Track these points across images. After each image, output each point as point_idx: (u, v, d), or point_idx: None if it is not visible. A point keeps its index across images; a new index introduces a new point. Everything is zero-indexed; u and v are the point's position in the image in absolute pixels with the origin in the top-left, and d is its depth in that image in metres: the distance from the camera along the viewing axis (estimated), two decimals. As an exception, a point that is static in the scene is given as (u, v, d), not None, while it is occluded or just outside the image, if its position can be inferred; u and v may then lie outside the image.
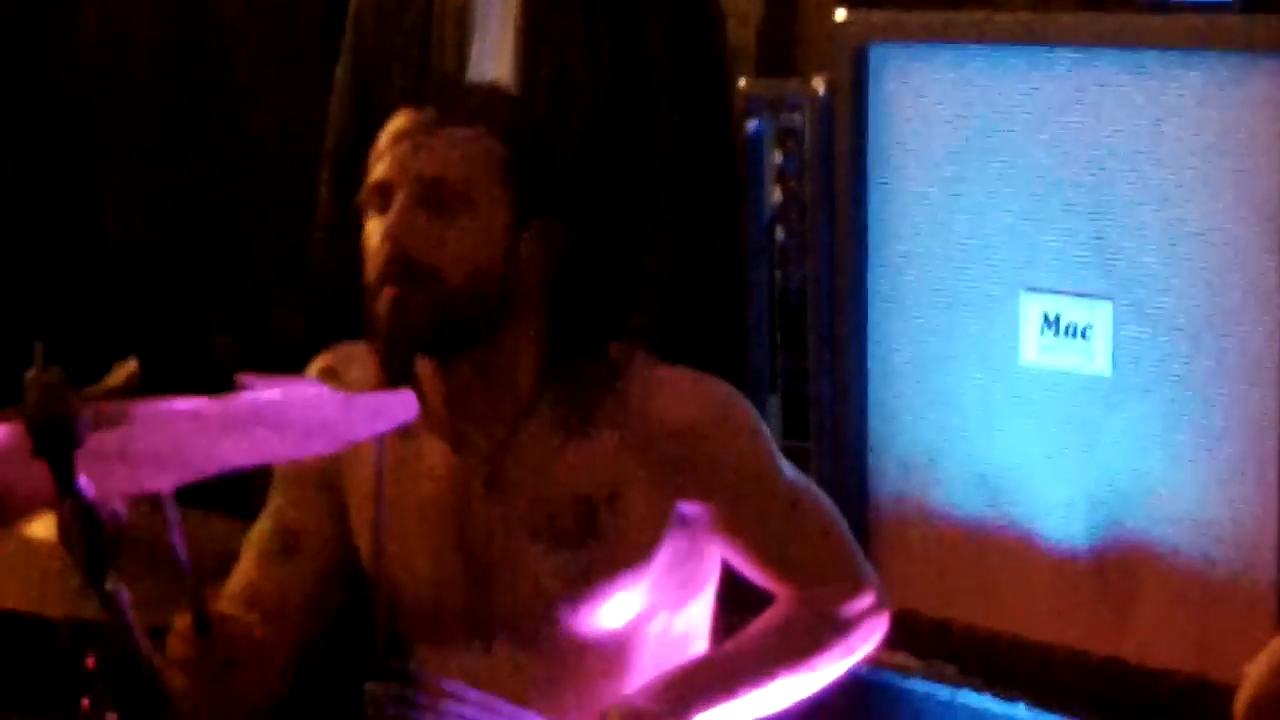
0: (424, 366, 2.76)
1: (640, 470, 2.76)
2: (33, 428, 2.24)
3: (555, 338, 2.84)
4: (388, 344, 2.70)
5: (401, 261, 2.67)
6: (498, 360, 2.77)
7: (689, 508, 2.79)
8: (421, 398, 2.67)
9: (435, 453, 2.85)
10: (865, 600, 2.88)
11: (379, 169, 2.76)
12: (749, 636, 2.90)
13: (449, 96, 2.93)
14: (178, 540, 2.32)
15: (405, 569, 2.91)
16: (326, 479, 2.95)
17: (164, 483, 2.54)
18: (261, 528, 2.97)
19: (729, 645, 2.91)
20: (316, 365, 2.94)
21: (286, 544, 2.96)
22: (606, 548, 2.82)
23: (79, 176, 4.39)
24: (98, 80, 4.43)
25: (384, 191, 2.72)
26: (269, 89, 5.10)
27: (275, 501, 2.98)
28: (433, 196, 2.72)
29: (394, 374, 2.73)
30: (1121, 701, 3.24)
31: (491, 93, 3.09)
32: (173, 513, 2.32)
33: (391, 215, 2.69)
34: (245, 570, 2.90)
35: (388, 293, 2.67)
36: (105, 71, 4.42)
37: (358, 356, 2.86)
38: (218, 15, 4.97)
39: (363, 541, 2.93)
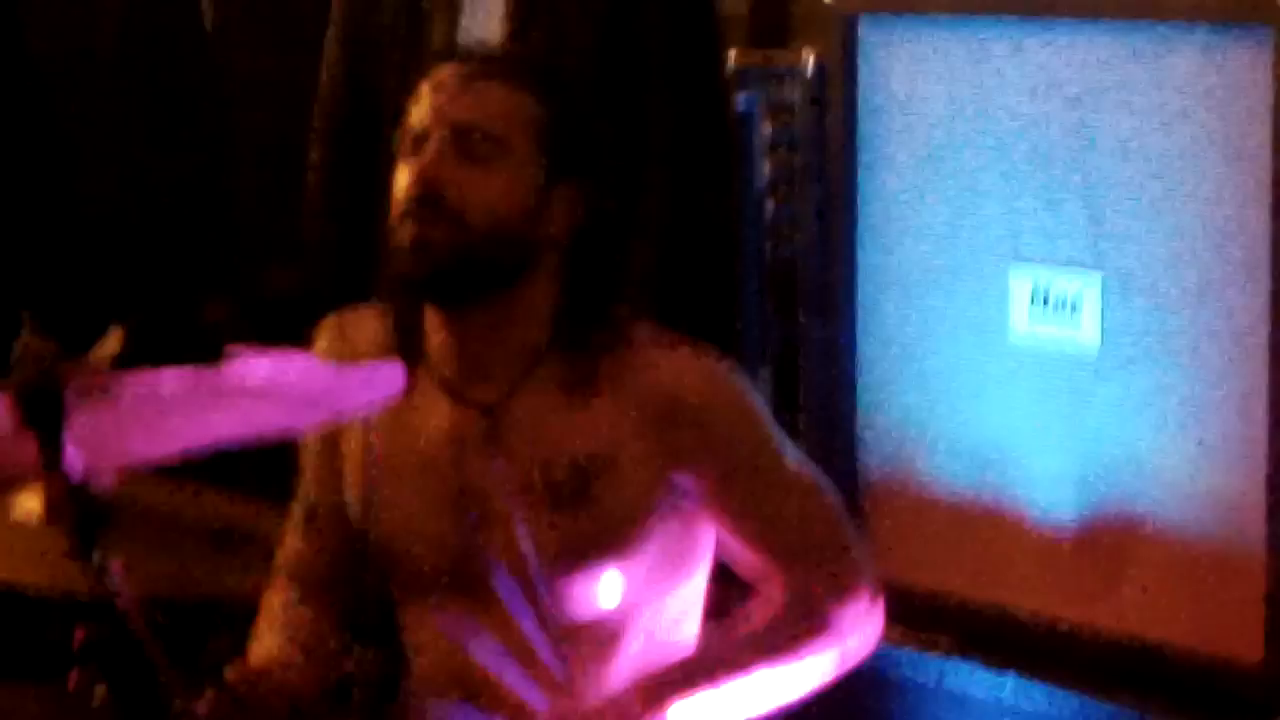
0: (432, 320, 2.77)
1: (637, 439, 2.73)
2: (21, 398, 2.24)
3: (568, 300, 2.83)
4: (404, 279, 2.72)
5: (429, 199, 2.68)
6: (507, 317, 2.76)
7: (683, 480, 2.76)
8: (426, 352, 2.75)
9: (436, 409, 2.83)
10: (858, 600, 2.85)
11: (415, 115, 2.78)
12: (736, 638, 2.88)
13: (490, 56, 2.99)
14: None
15: (400, 527, 2.90)
16: (328, 444, 2.94)
17: (154, 454, 2.53)
18: (294, 499, 3.01)
19: (714, 646, 2.91)
20: (326, 325, 2.95)
21: (308, 513, 2.97)
22: (599, 513, 2.80)
23: (61, 144, 4.36)
24: (76, 46, 4.38)
25: (418, 139, 2.73)
26: (258, 55, 5.07)
27: (302, 472, 3.01)
28: (466, 144, 2.74)
29: (404, 316, 2.77)
30: (1109, 672, 3.23)
31: (533, 57, 3.13)
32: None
33: (424, 157, 2.71)
34: (286, 543, 2.93)
35: (410, 226, 2.69)
36: (85, 36, 4.37)
37: (367, 318, 2.87)
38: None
39: (354, 499, 2.93)
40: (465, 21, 4.00)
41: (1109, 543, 3.27)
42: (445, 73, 2.84)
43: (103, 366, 2.49)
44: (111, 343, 2.52)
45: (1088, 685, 3.26)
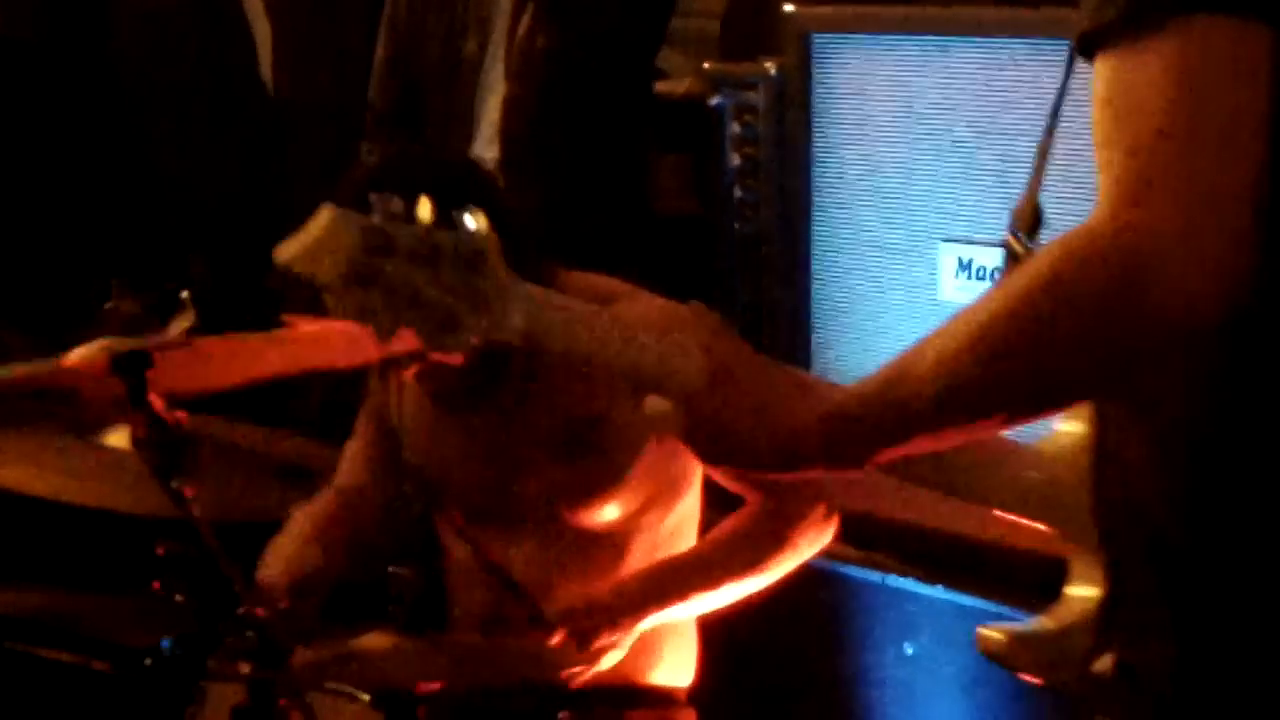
0: None
1: (625, 398, 2.73)
2: (113, 352, 2.28)
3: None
4: None
5: None
6: None
7: None
8: None
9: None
10: (815, 521, 2.86)
11: None
12: (709, 544, 2.92)
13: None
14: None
15: (446, 472, 2.96)
16: (389, 401, 2.98)
17: (221, 386, 2.54)
18: (351, 438, 3.06)
19: (691, 552, 2.94)
20: None
21: (367, 450, 3.03)
22: (599, 458, 2.86)
23: (136, 130, 4.32)
24: (152, 42, 4.32)
25: None
26: (318, 69, 5.00)
27: (363, 417, 3.05)
28: None
29: None
30: (1019, 581, 3.20)
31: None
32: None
33: None
34: (343, 470, 3.00)
35: None
36: (161, 49, 4.31)
37: None
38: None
39: (411, 447, 2.97)
40: (495, 39, 4.00)
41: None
42: None
43: (179, 336, 2.54)
44: (186, 317, 2.55)
45: (1004, 594, 3.19)
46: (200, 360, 2.45)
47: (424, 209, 1.66)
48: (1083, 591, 1.71)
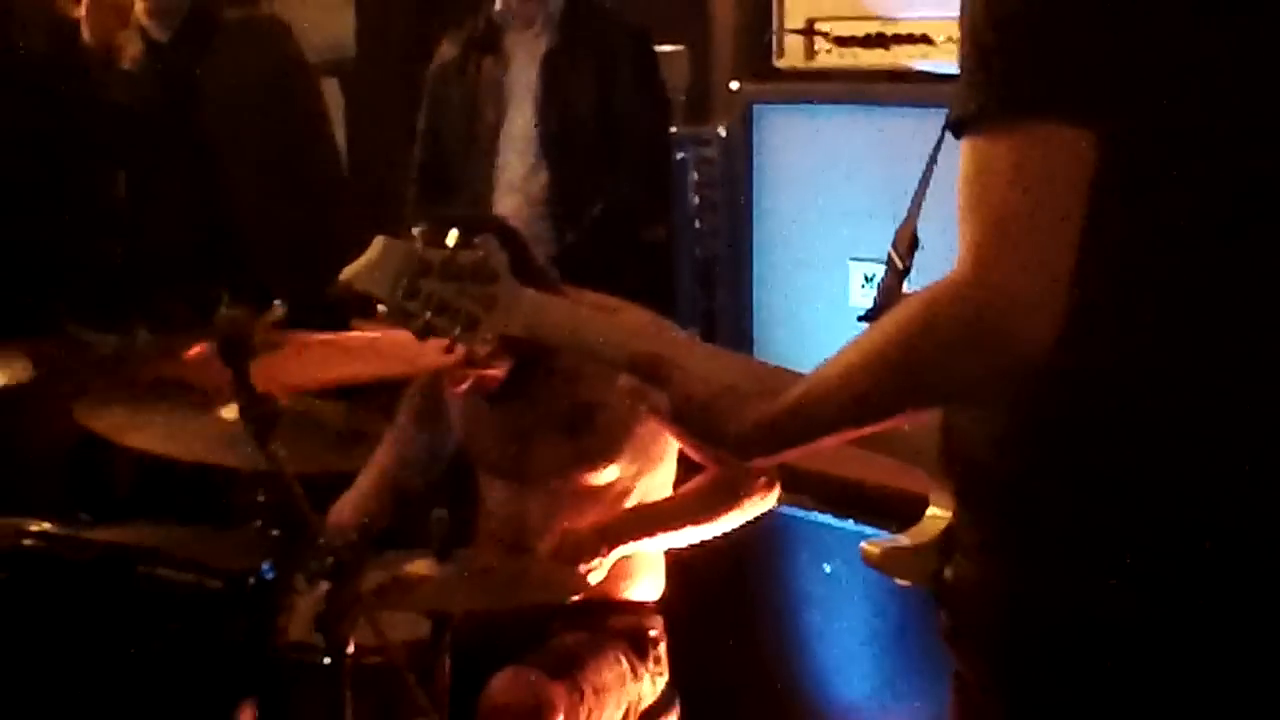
0: None
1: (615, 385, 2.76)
2: (223, 346, 2.33)
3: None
4: None
5: None
6: None
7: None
8: None
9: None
10: (760, 485, 2.87)
11: None
12: (677, 498, 2.92)
13: None
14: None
15: (480, 444, 2.98)
16: (436, 390, 2.98)
17: (304, 385, 2.57)
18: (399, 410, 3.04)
19: (661, 502, 2.94)
20: None
21: (417, 419, 3.02)
22: (596, 436, 2.87)
23: (218, 179, 3.96)
24: (238, 115, 3.98)
25: None
26: (372, 127, 4.97)
27: (410, 397, 3.03)
28: None
29: None
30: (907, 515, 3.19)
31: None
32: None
33: None
34: (388, 439, 2.98)
35: None
36: (236, 104, 3.98)
37: None
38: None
39: (456, 426, 2.99)
40: (510, 111, 3.95)
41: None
42: None
43: (269, 327, 2.56)
44: (276, 311, 2.58)
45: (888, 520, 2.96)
46: (294, 354, 2.49)
47: (451, 237, 1.73)
48: (937, 514, 1.71)
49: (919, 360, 1.51)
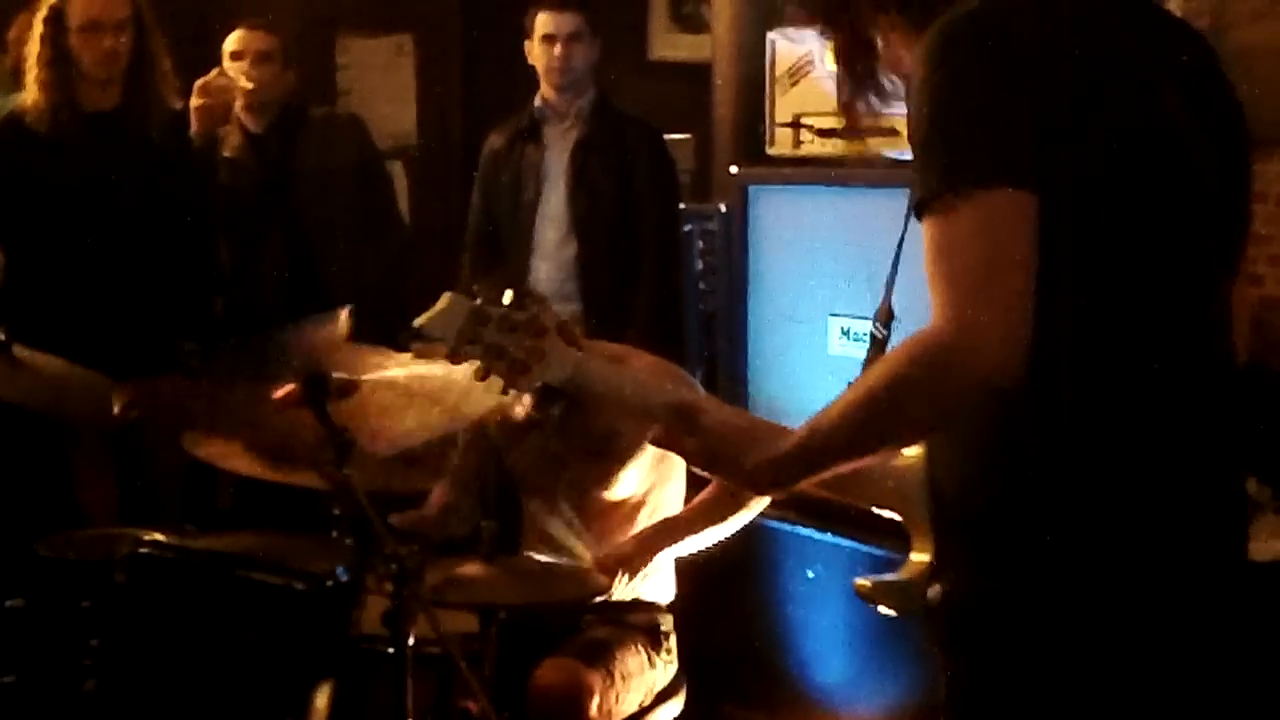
0: None
1: (633, 419, 2.61)
2: (304, 388, 2.33)
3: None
4: None
5: None
6: None
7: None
8: None
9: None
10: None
11: None
12: (695, 506, 2.89)
13: None
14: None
15: (520, 465, 2.95)
16: (477, 444, 2.97)
17: (375, 447, 2.43)
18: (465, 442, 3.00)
19: (681, 514, 2.91)
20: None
21: (474, 444, 2.96)
22: (613, 460, 2.86)
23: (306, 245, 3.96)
24: (317, 189, 3.95)
25: None
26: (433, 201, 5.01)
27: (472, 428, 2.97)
28: None
29: None
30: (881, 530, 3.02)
31: None
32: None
33: None
34: (456, 464, 2.95)
35: None
36: (321, 185, 3.95)
37: None
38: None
39: (508, 460, 2.97)
40: (546, 190, 3.93)
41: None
42: None
43: (337, 338, 2.51)
44: (343, 325, 2.57)
45: (865, 536, 3.13)
46: (366, 400, 2.42)
47: (507, 296, 1.75)
48: (920, 556, 1.69)
49: (905, 394, 1.50)
